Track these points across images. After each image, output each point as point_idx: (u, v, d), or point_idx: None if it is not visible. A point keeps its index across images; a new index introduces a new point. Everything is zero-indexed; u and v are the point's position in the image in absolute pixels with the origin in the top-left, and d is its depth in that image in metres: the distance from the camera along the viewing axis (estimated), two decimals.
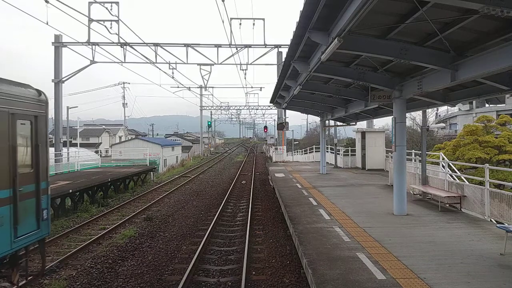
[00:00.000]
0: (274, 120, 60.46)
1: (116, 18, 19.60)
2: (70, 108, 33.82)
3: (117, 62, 22.91)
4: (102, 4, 19.19)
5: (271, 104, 30.07)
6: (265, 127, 55.31)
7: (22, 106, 6.58)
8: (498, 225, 7.86)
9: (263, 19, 21.62)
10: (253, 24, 21.35)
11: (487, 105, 46.08)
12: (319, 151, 23.96)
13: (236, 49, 22.48)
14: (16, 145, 6.35)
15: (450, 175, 12.58)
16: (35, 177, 6.87)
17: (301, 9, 6.51)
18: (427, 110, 16.13)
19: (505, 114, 30.25)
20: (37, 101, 7.06)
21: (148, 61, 22.73)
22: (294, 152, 40.15)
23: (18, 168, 6.33)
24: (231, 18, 20.72)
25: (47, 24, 16.24)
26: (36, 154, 6.92)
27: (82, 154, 32.30)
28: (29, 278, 7.13)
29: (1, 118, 6.03)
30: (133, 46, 21.73)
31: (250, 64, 24.25)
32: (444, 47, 7.17)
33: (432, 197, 11.84)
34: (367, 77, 10.24)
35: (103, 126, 69.77)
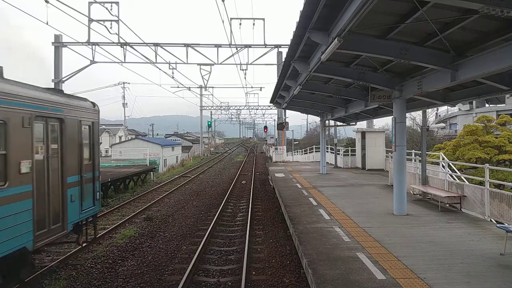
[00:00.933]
0: (274, 120, 60.46)
1: (116, 18, 19.59)
2: None
3: (117, 62, 22.91)
4: (102, 4, 19.18)
5: (271, 104, 30.06)
6: (265, 127, 55.26)
7: (85, 115, 8.92)
8: (498, 225, 7.86)
9: (263, 19, 21.61)
10: (253, 24, 21.36)
11: (487, 105, 46.09)
12: (319, 151, 23.95)
13: (236, 49, 22.48)
14: (82, 143, 8.65)
15: (450, 175, 12.59)
16: (92, 167, 9.20)
17: (301, 9, 6.51)
18: (427, 110, 16.13)
19: (505, 114, 30.25)
20: (93, 111, 9.45)
21: (148, 61, 22.72)
22: (294, 152, 40.15)
23: (83, 160, 8.64)
24: (231, 18, 20.72)
25: (47, 24, 16.23)
26: (92, 150, 9.27)
27: None
28: (88, 242, 9.63)
29: (74, 124, 8.33)
30: (133, 46, 21.73)
31: (250, 64, 24.25)
32: (444, 47, 7.17)
33: (432, 197, 11.84)
34: (367, 77, 10.25)
35: (103, 126, 69.66)
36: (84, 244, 9.43)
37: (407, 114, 20.17)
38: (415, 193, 12.89)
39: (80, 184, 8.46)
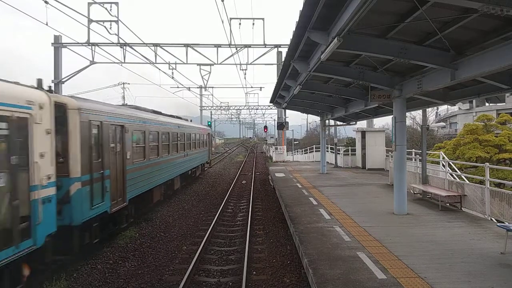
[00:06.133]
0: (274, 120, 60.33)
1: (116, 19, 19.52)
2: None
3: (117, 63, 22.88)
4: (102, 4, 19.14)
5: (271, 104, 30.05)
6: (265, 127, 55.11)
7: (208, 131, 30.13)
8: (498, 224, 7.87)
9: (263, 19, 21.56)
10: (253, 24, 21.30)
11: (487, 104, 46.07)
12: (319, 150, 23.96)
13: (236, 49, 22.44)
14: (208, 141, 29.10)
15: (451, 174, 12.58)
16: (210, 147, 30.60)
17: (301, 9, 6.51)
18: (427, 109, 16.14)
19: (505, 113, 30.24)
20: (209, 128, 33.49)
21: (148, 62, 22.69)
22: (294, 152, 40.14)
23: (209, 146, 29.60)
24: (231, 18, 20.69)
25: (46, 25, 16.20)
26: (210, 143, 30.17)
27: None
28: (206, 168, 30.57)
29: (207, 135, 28.69)
30: (133, 47, 21.69)
31: (250, 64, 24.19)
32: (443, 46, 7.17)
33: (433, 196, 11.84)
34: (367, 77, 10.24)
35: None
36: (205, 169, 29.76)
37: (407, 113, 20.20)
38: (415, 192, 12.90)
39: (209, 152, 28.79)
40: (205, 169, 29.33)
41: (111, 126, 9.94)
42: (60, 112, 7.88)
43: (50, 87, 8.10)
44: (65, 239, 7.61)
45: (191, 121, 26.09)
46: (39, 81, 7.38)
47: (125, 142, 10.71)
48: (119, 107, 11.94)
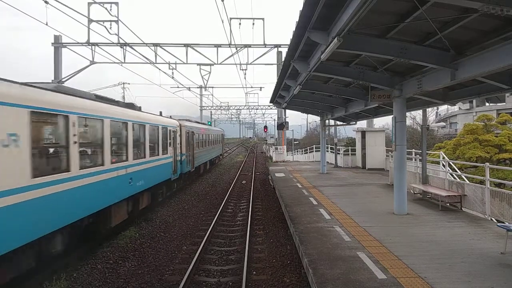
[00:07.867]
0: (274, 120, 60.24)
1: (116, 19, 19.53)
2: None
3: (117, 63, 22.88)
4: (102, 4, 19.14)
5: (271, 104, 30.06)
6: (265, 127, 54.98)
7: (222, 132, 42.79)
8: (498, 224, 7.87)
9: (263, 19, 21.57)
10: (253, 24, 21.31)
11: (487, 104, 46.06)
12: (319, 150, 23.96)
13: (236, 49, 22.44)
14: (222, 140, 43.07)
15: (451, 174, 12.58)
16: (223, 143, 45.91)
17: (301, 9, 6.51)
18: (427, 109, 16.13)
19: (505, 112, 30.23)
20: (222, 130, 46.31)
21: (148, 61, 22.70)
22: (294, 152, 40.14)
23: (222, 144, 42.27)
24: (231, 18, 20.72)
25: (46, 24, 16.21)
26: (223, 141, 45.56)
27: None
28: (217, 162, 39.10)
29: (221, 136, 41.32)
30: (133, 47, 21.68)
31: (250, 64, 24.20)
32: (443, 46, 7.17)
33: (433, 196, 11.85)
34: (367, 77, 10.24)
35: None
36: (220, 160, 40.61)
37: (407, 113, 20.20)
38: (415, 192, 12.90)
39: (222, 147, 41.93)
40: (220, 159, 40.33)
41: (190, 132, 20.98)
42: (179, 127, 18.65)
43: (171, 116, 19.05)
44: (179, 179, 18.53)
45: (210, 124, 38.80)
46: (160, 113, 18.11)
47: (193, 139, 21.86)
48: (191, 122, 23.71)
